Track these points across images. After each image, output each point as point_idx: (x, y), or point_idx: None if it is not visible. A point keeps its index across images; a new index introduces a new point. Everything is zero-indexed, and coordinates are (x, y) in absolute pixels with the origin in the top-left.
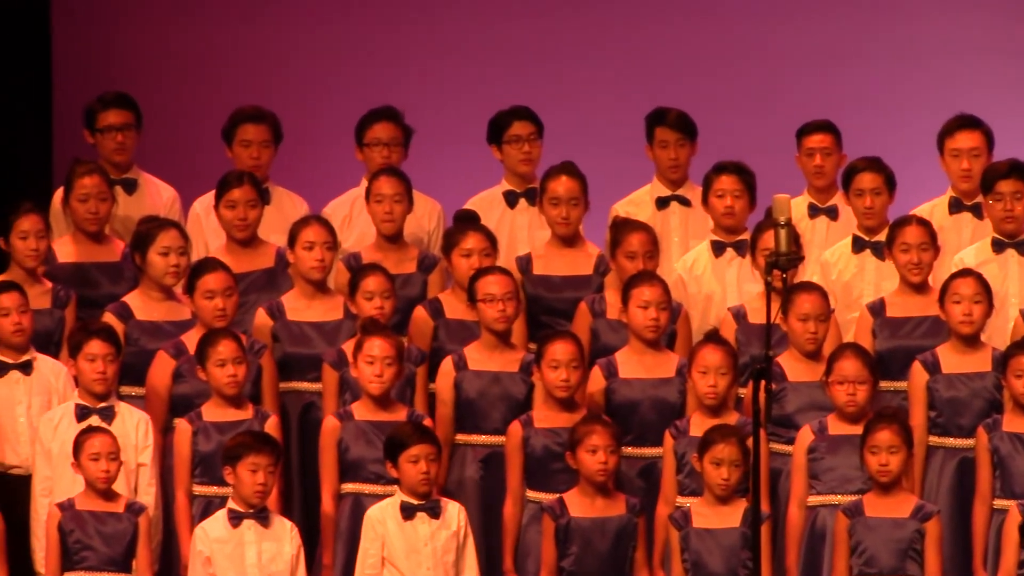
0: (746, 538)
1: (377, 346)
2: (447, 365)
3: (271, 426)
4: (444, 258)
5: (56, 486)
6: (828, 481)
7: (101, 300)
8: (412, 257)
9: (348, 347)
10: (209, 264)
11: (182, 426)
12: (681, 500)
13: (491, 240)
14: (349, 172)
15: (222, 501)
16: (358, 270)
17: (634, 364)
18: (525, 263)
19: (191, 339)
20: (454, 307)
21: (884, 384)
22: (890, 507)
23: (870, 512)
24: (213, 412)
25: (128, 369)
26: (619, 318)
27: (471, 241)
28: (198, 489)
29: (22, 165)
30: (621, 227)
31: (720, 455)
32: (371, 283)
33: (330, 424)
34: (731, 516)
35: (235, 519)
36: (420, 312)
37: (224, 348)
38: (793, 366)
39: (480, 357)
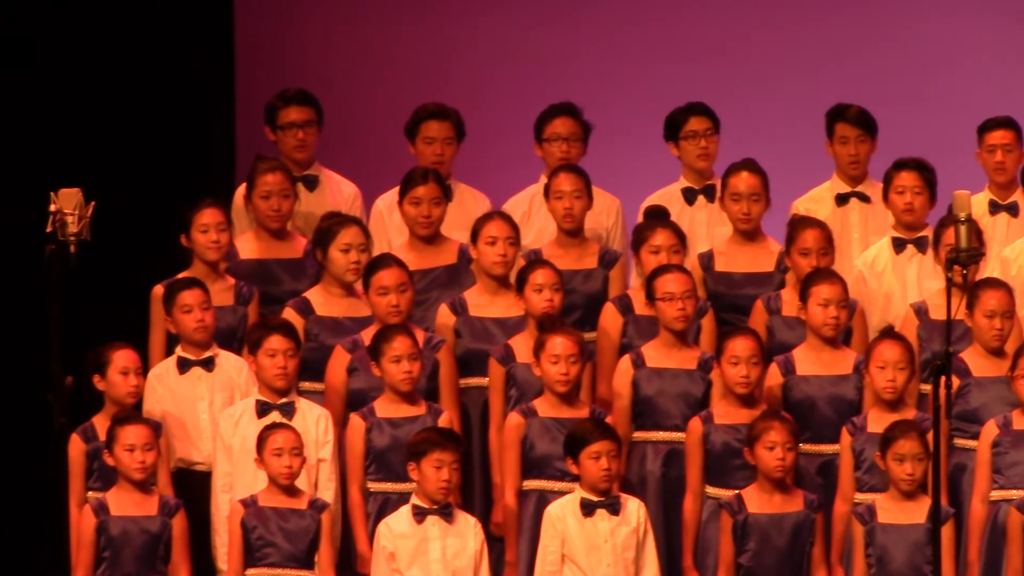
0: (932, 534)
1: (560, 344)
2: (625, 363)
3: (444, 421)
4: (633, 254)
5: (236, 482)
6: (1011, 476)
7: (283, 296)
8: (593, 252)
9: (515, 342)
10: (384, 260)
11: (355, 421)
12: (859, 496)
13: (680, 237)
14: (526, 169)
15: (400, 497)
16: (525, 264)
17: (811, 361)
18: (707, 260)
19: (370, 335)
20: (643, 303)
21: None
22: None
23: None
24: (386, 408)
25: (308, 365)
26: (797, 315)
27: (660, 238)
28: (373, 485)
29: (205, 162)
30: (797, 224)
31: (902, 450)
32: (540, 276)
33: (513, 420)
34: (917, 511)
35: (419, 515)
36: (610, 308)
37: (399, 344)
38: (978, 362)
39: (658, 355)
